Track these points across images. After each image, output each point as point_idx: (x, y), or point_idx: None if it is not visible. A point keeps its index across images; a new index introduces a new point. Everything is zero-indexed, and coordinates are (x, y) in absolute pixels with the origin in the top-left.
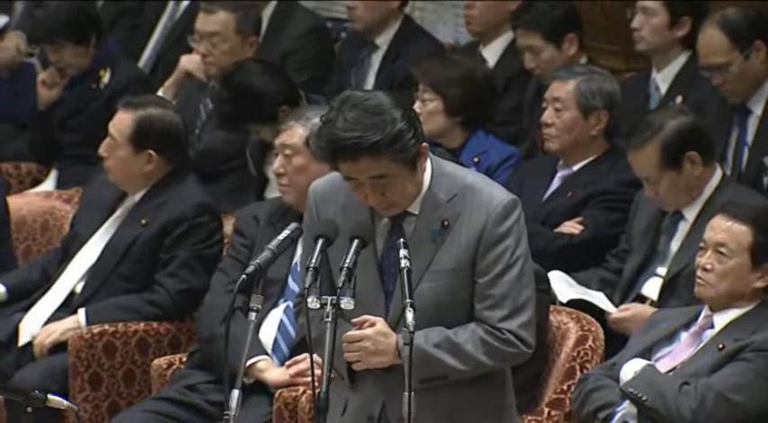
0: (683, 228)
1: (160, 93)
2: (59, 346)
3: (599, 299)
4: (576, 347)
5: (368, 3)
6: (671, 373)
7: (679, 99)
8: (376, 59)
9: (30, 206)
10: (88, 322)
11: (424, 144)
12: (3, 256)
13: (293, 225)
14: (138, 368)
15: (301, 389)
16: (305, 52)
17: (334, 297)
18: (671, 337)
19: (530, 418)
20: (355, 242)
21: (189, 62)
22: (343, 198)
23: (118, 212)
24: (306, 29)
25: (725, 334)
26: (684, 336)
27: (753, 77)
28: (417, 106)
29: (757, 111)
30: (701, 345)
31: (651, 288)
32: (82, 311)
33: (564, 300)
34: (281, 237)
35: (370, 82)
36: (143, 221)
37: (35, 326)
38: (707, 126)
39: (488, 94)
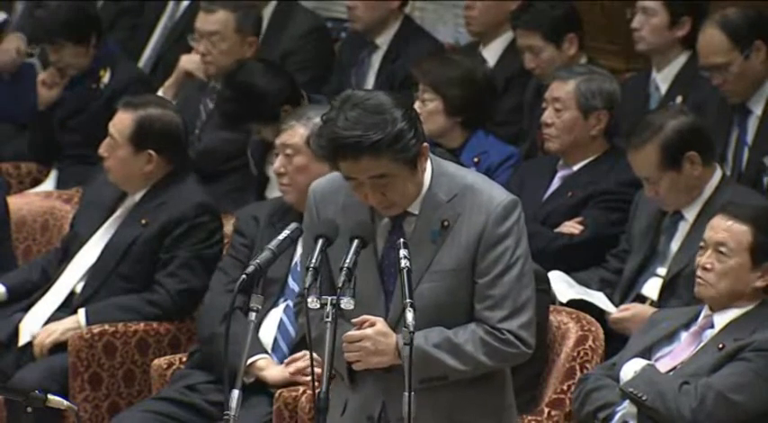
0: (683, 228)
1: (160, 93)
2: (59, 346)
3: (599, 299)
4: (576, 347)
5: (368, 3)
6: (671, 373)
7: (679, 99)
8: (376, 59)
9: (30, 206)
10: (88, 322)
11: (425, 144)
12: (3, 256)
13: (293, 225)
14: (138, 368)
15: (301, 389)
16: (305, 52)
17: (334, 297)
18: (671, 337)
19: (530, 418)
20: (355, 242)
21: (188, 62)
22: (344, 198)
23: (118, 212)
24: (306, 29)
25: (725, 334)
26: (684, 335)
27: (753, 77)
28: (417, 106)
29: (757, 111)
30: (701, 344)
31: (651, 288)
32: (82, 311)
33: (564, 300)
34: (281, 237)
35: (370, 82)
36: (143, 221)
37: (35, 326)
38: (707, 126)
39: (488, 94)
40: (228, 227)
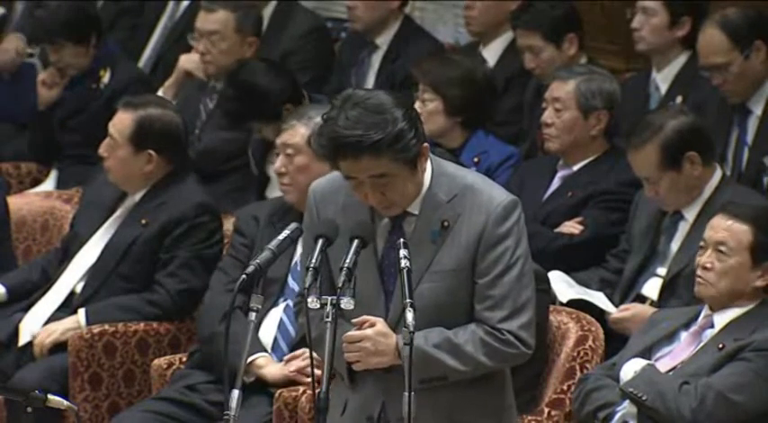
0: (683, 228)
1: (160, 93)
2: (59, 346)
3: (599, 299)
4: (576, 347)
5: (368, 3)
6: (671, 373)
7: (679, 99)
8: (376, 59)
9: (30, 206)
10: (88, 322)
11: (425, 144)
12: (3, 256)
13: (293, 225)
14: (138, 368)
15: (301, 389)
16: (305, 52)
17: (334, 297)
18: (671, 337)
19: (530, 418)
20: (355, 242)
21: (188, 61)
22: (344, 198)
23: (118, 212)
24: (306, 29)
25: (725, 333)
26: (684, 335)
27: (753, 77)
28: (417, 106)
29: (757, 111)
30: (701, 344)
31: (651, 288)
32: (82, 311)
33: (564, 300)
34: (281, 237)
35: (370, 82)
36: (143, 221)
37: (35, 326)
38: (707, 126)
39: (488, 94)
40: (228, 227)
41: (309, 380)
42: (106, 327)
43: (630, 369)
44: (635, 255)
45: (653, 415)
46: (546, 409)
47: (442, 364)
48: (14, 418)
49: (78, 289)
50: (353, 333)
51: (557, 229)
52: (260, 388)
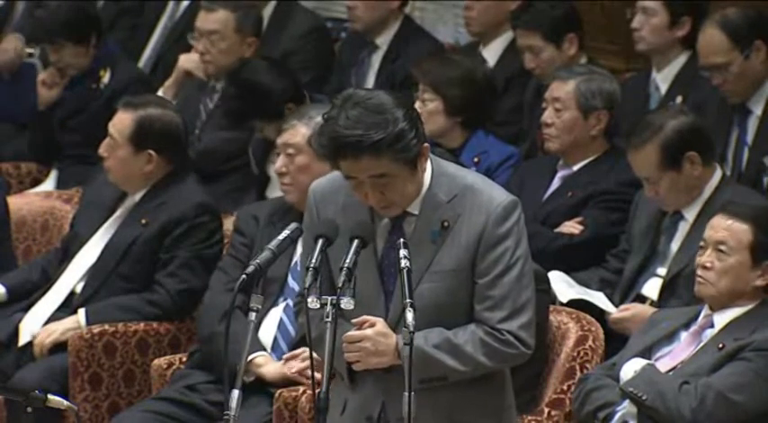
0: (683, 228)
1: (160, 93)
2: (59, 346)
3: (599, 299)
4: (576, 347)
5: (368, 3)
6: (671, 373)
7: (679, 99)
8: (376, 59)
9: (30, 206)
10: (88, 322)
11: (426, 144)
12: (3, 256)
13: (293, 225)
14: (138, 368)
15: (301, 389)
16: (305, 52)
17: (334, 297)
18: (671, 337)
19: (530, 418)
20: (355, 242)
21: (188, 61)
22: (344, 198)
23: (118, 212)
24: (306, 29)
25: (725, 333)
26: (684, 335)
27: (753, 77)
28: (417, 106)
29: (757, 111)
30: (701, 344)
31: (651, 288)
32: (82, 311)
33: (564, 300)
34: (281, 237)
35: (370, 82)
36: (143, 221)
37: (35, 326)
38: (707, 126)
39: (488, 94)
40: (228, 226)
41: (309, 379)
42: (106, 327)
43: (630, 369)
44: (635, 255)
45: (653, 415)
46: (546, 409)
47: (441, 364)
48: (14, 418)
49: (78, 289)
50: (353, 333)
51: (557, 229)
52: (260, 388)
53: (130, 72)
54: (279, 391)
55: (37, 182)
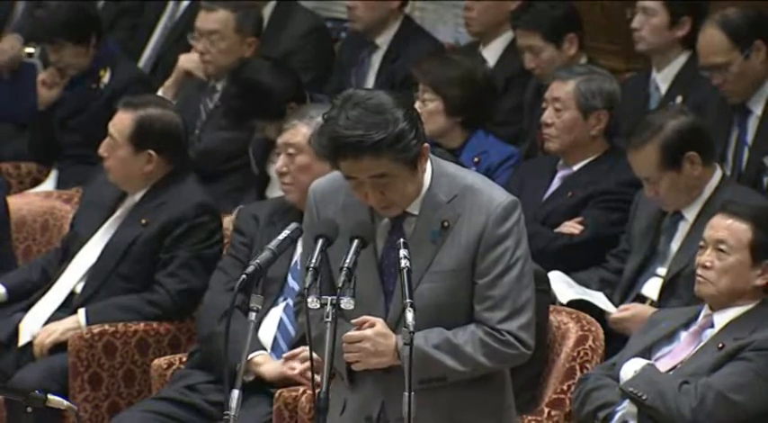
0: (683, 228)
1: (160, 93)
2: (59, 346)
3: (599, 299)
4: (576, 347)
5: (368, 3)
6: (671, 373)
7: (679, 99)
8: (376, 59)
9: (30, 206)
10: (88, 322)
11: (426, 144)
12: (3, 256)
13: (293, 225)
14: (138, 368)
15: (301, 389)
16: (305, 52)
17: (334, 297)
18: (671, 337)
19: (530, 418)
20: (355, 242)
21: (187, 61)
22: (344, 198)
23: (118, 212)
24: (306, 29)
25: (725, 333)
26: (684, 335)
27: (753, 77)
28: (417, 106)
29: (757, 111)
30: (701, 344)
31: (651, 288)
32: (82, 311)
33: (564, 300)
34: (280, 236)
35: (370, 82)
36: (143, 221)
37: (35, 326)
38: (707, 126)
39: (488, 94)
40: (228, 226)
41: (308, 379)
42: (106, 327)
43: (630, 369)
44: (635, 255)
45: (653, 414)
46: (546, 409)
47: (441, 364)
48: (14, 418)
49: (78, 289)
50: (353, 333)
51: (557, 229)
52: (260, 388)
53: (130, 72)
54: (279, 392)
55: (37, 182)
